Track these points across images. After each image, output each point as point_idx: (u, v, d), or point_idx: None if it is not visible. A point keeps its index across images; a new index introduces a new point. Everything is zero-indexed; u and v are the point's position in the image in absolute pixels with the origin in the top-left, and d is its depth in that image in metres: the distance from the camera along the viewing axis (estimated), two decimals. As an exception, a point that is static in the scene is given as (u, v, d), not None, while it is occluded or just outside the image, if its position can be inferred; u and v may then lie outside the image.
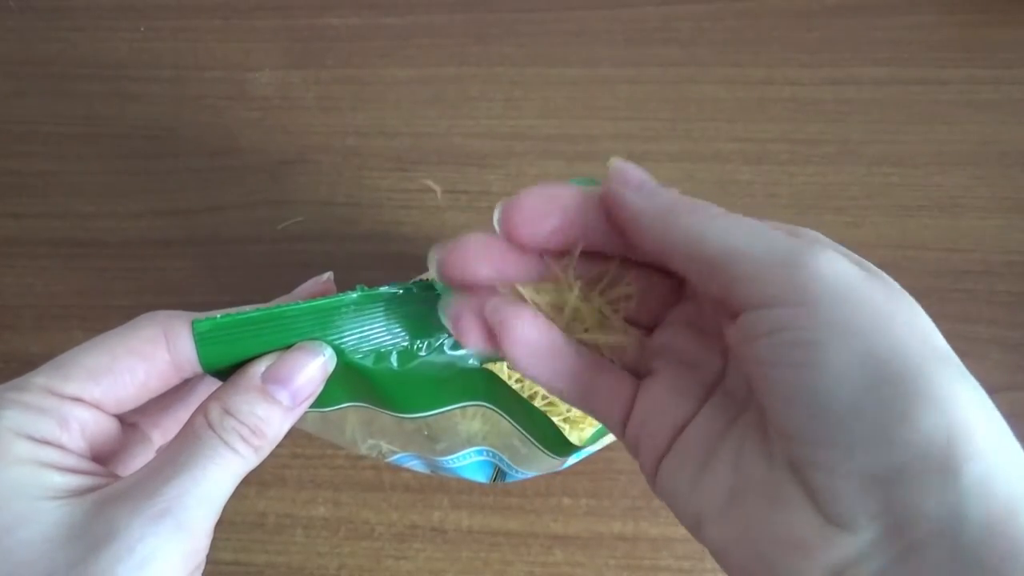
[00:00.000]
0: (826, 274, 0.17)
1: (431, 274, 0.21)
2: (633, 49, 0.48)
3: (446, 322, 0.21)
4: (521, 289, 0.21)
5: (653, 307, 0.22)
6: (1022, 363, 0.39)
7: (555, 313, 0.21)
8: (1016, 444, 0.16)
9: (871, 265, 0.18)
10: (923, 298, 0.18)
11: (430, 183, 0.42)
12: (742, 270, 0.17)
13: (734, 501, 0.18)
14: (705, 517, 0.18)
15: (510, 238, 0.20)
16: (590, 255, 0.21)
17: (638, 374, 0.22)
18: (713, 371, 0.20)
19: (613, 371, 0.22)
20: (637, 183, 0.19)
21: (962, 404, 0.15)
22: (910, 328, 0.16)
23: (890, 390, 0.15)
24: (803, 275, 0.17)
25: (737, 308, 0.18)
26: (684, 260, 0.18)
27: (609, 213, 0.20)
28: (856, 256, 0.18)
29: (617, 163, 0.20)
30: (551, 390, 0.22)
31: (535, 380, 0.21)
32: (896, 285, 0.17)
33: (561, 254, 0.21)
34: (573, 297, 0.21)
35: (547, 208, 0.20)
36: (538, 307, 0.21)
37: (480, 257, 0.20)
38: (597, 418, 0.22)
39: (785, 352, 0.16)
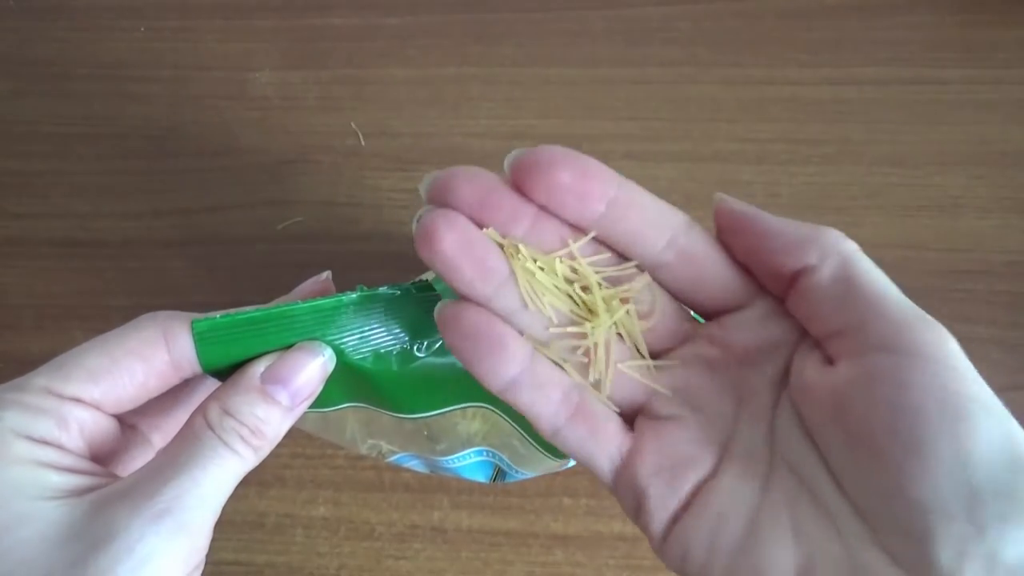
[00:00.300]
0: (953, 341, 0.17)
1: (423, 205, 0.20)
2: (633, 49, 0.48)
3: (414, 226, 0.19)
4: (524, 248, 0.19)
5: (663, 339, 0.21)
6: (1022, 363, 0.39)
7: (543, 291, 0.19)
8: None
9: None
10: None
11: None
12: (890, 311, 0.17)
13: None
14: None
15: (515, 181, 0.19)
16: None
17: (623, 410, 0.20)
18: (728, 421, 0.19)
19: (597, 401, 0.20)
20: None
21: None
22: None
23: None
24: (944, 338, 0.17)
25: (860, 348, 0.17)
26: (823, 284, 0.18)
27: (737, 232, 0.19)
28: None
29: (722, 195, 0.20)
30: (518, 405, 0.20)
31: (481, 379, 0.20)
32: None
33: (563, 224, 0.19)
34: (595, 283, 0.19)
35: (564, 161, 0.19)
36: (528, 274, 0.19)
37: (472, 180, 0.19)
38: (571, 451, 0.20)
39: (932, 410, 0.16)
